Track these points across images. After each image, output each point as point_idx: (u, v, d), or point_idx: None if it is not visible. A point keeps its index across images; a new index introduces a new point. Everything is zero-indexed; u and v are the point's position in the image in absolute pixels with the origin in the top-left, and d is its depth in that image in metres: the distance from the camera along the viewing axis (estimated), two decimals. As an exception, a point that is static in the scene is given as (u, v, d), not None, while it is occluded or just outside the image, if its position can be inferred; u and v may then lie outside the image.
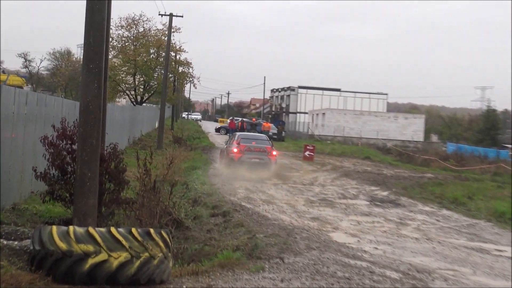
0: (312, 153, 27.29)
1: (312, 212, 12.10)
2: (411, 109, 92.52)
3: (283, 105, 76.90)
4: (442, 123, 65.81)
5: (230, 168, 18.87)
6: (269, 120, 75.12)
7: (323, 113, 54.73)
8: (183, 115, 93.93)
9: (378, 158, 33.53)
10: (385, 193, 16.46)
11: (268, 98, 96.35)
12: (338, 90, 73.21)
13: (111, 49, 30.58)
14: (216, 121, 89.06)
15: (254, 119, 48.73)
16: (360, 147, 42.20)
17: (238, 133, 21.98)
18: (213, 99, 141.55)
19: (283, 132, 46.29)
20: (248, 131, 37.48)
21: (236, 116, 75.67)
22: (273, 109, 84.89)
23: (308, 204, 13.19)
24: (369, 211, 12.79)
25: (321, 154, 33.32)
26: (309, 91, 72.60)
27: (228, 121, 58.06)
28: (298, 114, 71.02)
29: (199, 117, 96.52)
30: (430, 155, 32.76)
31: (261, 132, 45.53)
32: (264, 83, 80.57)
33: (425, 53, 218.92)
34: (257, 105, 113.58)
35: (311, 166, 24.32)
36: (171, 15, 29.13)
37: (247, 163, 19.13)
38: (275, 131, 45.24)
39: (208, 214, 10.49)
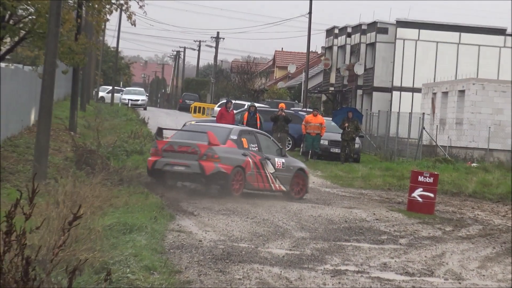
0: (431, 194, 27.31)
1: None
2: None
3: (358, 71, 76.98)
4: None
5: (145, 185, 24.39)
6: (321, 108, 75.21)
7: (460, 91, 54.75)
8: (102, 94, 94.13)
9: None
10: None
11: (320, 52, 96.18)
12: (501, 31, 73.09)
13: None
14: (186, 108, 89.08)
15: (283, 106, 48.80)
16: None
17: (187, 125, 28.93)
18: (178, 52, 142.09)
19: (358, 139, 46.27)
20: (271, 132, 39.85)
21: (238, 99, 75.89)
22: (333, 80, 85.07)
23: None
24: None
25: (453, 195, 33.17)
26: (423, 32, 72.51)
27: (217, 108, 57.94)
28: (395, 93, 71.04)
29: (143, 97, 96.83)
30: None
31: (299, 138, 45.76)
32: (310, 13, 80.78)
33: None
34: (291, 70, 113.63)
35: (428, 227, 24.54)
36: None
37: (165, 174, 25.03)
38: (337, 138, 45.15)
39: None
